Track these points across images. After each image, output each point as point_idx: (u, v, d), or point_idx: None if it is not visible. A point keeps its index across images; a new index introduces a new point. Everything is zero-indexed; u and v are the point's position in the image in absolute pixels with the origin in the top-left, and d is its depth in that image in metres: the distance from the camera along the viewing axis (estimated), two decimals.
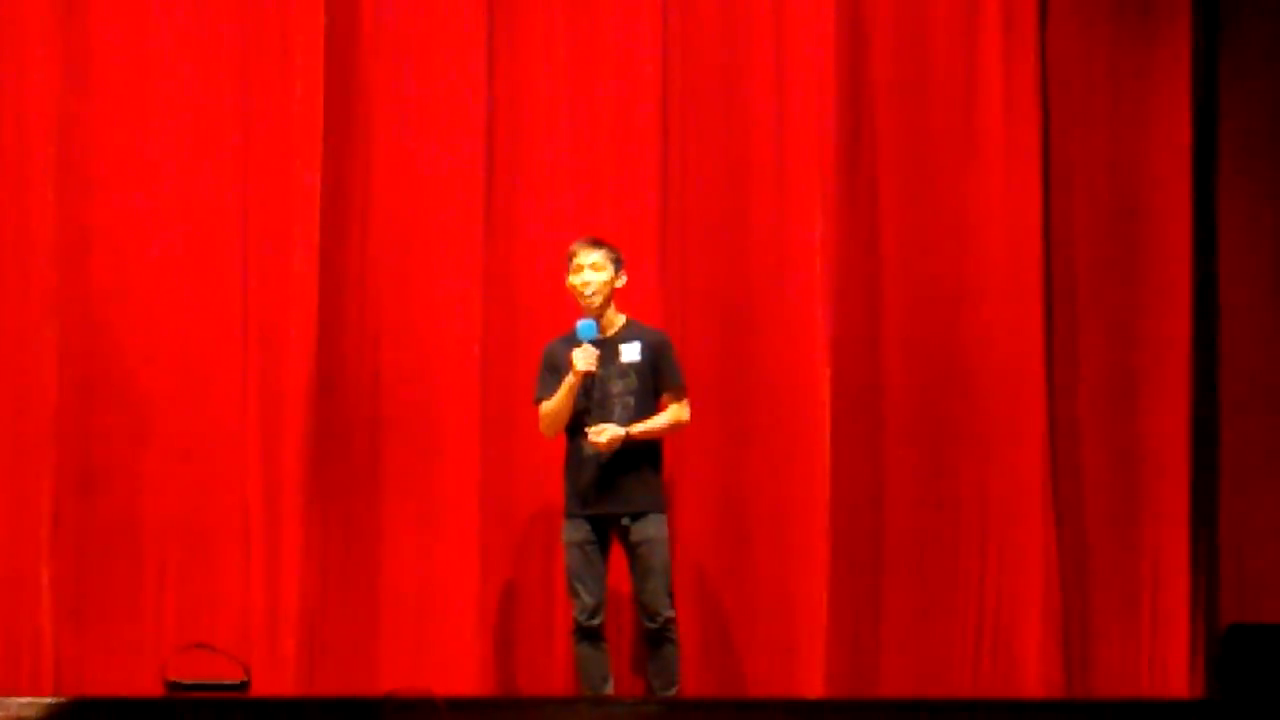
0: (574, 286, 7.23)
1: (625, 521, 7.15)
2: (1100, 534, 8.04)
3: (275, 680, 7.36)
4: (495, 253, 7.81)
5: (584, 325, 7.14)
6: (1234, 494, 8.13)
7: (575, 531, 7.19)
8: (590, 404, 7.15)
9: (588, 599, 7.13)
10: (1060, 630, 7.90)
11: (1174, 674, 7.95)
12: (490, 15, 7.83)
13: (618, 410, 7.15)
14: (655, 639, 7.16)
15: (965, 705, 6.17)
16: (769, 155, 7.95)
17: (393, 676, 7.51)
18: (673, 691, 7.10)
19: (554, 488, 7.65)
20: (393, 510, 7.74)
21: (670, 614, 7.15)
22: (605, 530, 7.19)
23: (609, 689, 7.15)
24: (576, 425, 7.17)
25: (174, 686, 6.50)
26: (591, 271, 7.20)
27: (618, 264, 7.24)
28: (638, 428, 7.15)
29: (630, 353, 7.21)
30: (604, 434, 7.08)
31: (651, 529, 7.16)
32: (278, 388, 7.63)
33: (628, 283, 7.35)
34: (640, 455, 7.16)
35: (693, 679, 7.63)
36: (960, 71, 8.08)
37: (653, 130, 7.89)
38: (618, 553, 7.28)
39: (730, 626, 7.82)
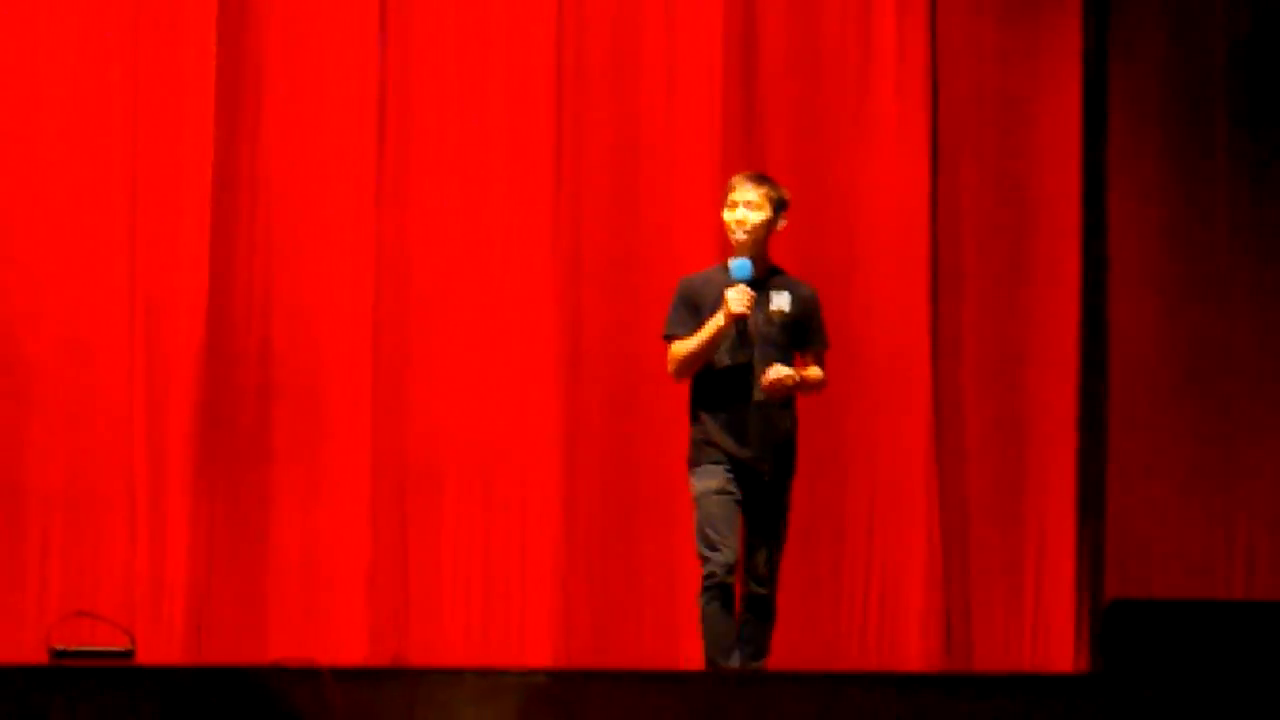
0: (726, 223, 6.62)
1: (768, 479, 6.58)
2: (985, 508, 8.11)
3: (161, 648, 7.32)
4: (387, 221, 7.79)
5: (739, 264, 6.50)
6: (1120, 470, 8.21)
7: (715, 479, 6.52)
8: (733, 348, 6.54)
9: (729, 553, 6.47)
10: (943, 603, 7.98)
11: (1057, 648, 8.04)
12: None
13: (761, 359, 6.53)
14: (761, 606, 6.59)
15: (848, 678, 6.20)
16: (660, 129, 7.97)
17: (281, 646, 7.49)
18: (761, 662, 6.60)
19: (444, 456, 7.67)
20: (282, 479, 7.70)
21: (775, 584, 6.61)
22: (746, 482, 6.55)
23: (735, 660, 6.53)
24: (712, 371, 6.56)
25: (58, 654, 6.45)
26: (746, 209, 6.57)
27: (779, 206, 6.62)
28: (801, 375, 6.54)
29: (780, 301, 6.61)
30: (781, 372, 6.46)
31: (785, 497, 6.64)
32: (165, 355, 7.57)
33: (517, 253, 7.28)
34: (792, 412, 6.61)
35: (580, 650, 7.67)
36: (852, 49, 8.13)
37: (546, 106, 7.89)
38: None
39: (617, 599, 7.84)
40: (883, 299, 8.05)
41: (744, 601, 6.61)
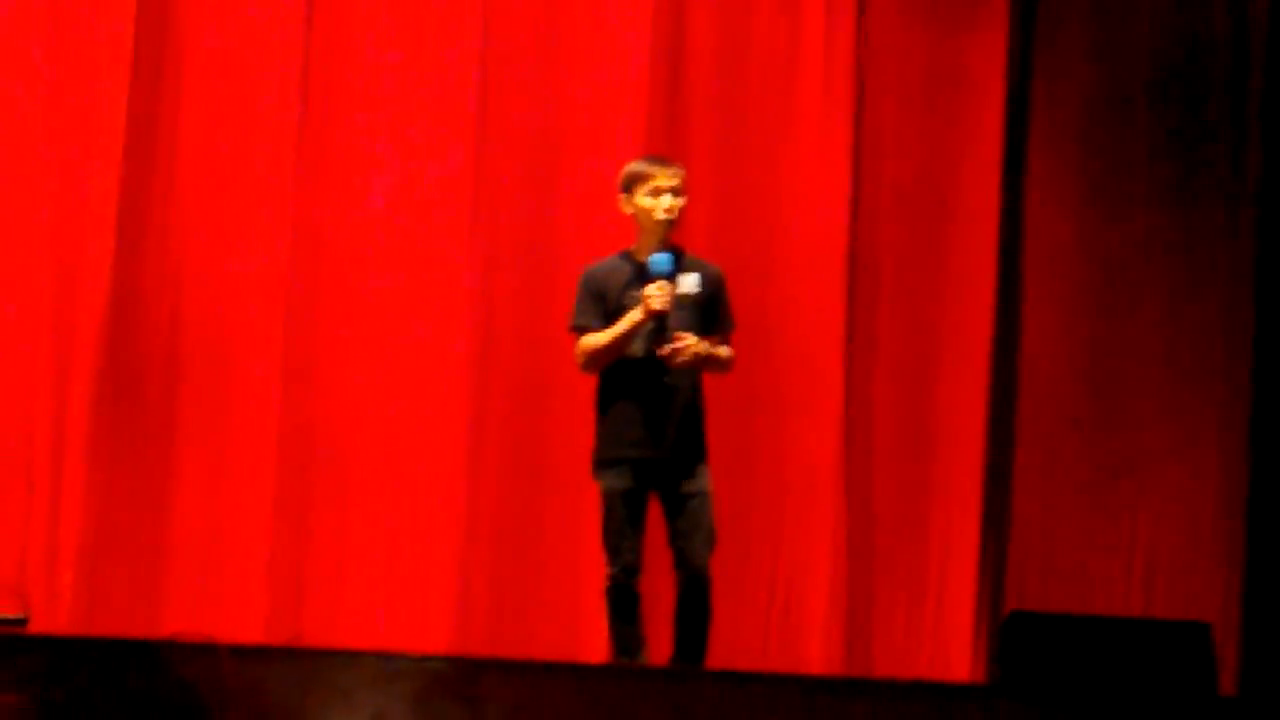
0: (645, 210, 6.47)
1: (674, 471, 6.44)
2: (890, 516, 8.11)
3: (51, 618, 7.26)
4: (304, 198, 7.75)
5: (662, 258, 6.37)
6: (1026, 484, 8.23)
7: (619, 479, 6.43)
8: (647, 341, 6.40)
9: (630, 555, 6.40)
10: (845, 607, 7.98)
11: (956, 657, 8.06)
12: None
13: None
14: (693, 600, 6.45)
15: (748, 677, 6.21)
16: (584, 120, 7.93)
17: (177, 621, 7.42)
18: (700, 659, 6.50)
19: (351, 437, 7.63)
20: (185, 452, 7.65)
21: (709, 574, 6.45)
22: (648, 479, 6.45)
23: (645, 657, 6.48)
24: (623, 362, 6.44)
25: None
26: (674, 196, 6.46)
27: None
28: (710, 350, 6.43)
29: (689, 284, 6.45)
30: (690, 339, 6.33)
31: (702, 481, 6.46)
32: (70, 322, 7.52)
33: (434, 236, 7.23)
34: (693, 398, 6.47)
35: (479, 638, 7.64)
36: (780, 48, 8.12)
37: (468, 94, 7.85)
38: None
39: (519, 588, 7.82)
40: (798, 301, 8.03)
41: (677, 597, 6.51)
